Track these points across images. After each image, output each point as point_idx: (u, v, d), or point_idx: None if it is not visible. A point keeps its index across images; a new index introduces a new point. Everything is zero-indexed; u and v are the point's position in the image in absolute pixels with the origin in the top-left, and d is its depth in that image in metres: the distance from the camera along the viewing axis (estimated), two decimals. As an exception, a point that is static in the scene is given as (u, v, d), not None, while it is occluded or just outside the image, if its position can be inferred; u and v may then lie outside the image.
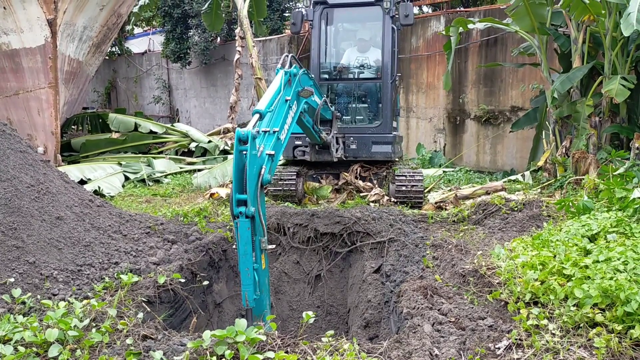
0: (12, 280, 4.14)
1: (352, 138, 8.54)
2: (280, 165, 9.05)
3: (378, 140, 8.59)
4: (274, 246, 4.42)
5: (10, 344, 3.18)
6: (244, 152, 3.87)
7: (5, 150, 5.21)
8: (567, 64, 9.44)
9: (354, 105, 9.06)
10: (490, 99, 12.40)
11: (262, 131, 4.27)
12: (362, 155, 8.66)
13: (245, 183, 3.87)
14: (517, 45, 10.97)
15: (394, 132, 8.83)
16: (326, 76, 9.03)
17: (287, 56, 5.36)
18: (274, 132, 4.41)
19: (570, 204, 5.84)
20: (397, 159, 9.10)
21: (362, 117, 9.01)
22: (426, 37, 13.36)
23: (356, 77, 9.09)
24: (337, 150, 8.08)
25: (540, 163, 9.50)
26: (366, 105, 9.08)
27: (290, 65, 5.31)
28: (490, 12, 11.88)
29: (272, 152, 4.19)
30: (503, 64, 10.89)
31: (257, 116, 4.31)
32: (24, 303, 3.92)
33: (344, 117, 8.75)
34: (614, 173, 6.53)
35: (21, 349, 3.13)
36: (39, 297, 4.06)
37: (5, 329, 3.33)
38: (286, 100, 4.94)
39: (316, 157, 8.38)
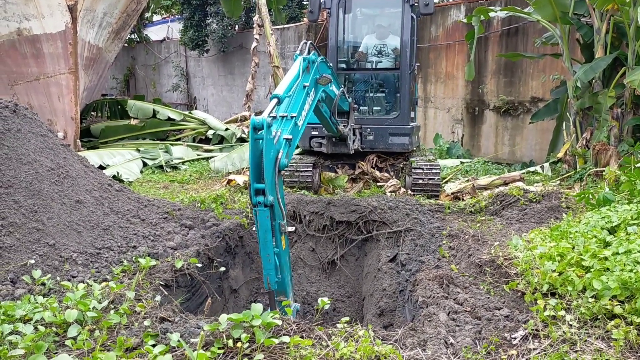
0: (33, 261, 4.21)
1: (369, 129, 8.47)
2: (296, 155, 9.05)
3: (395, 131, 8.52)
4: (293, 228, 4.42)
5: (30, 323, 3.24)
6: (260, 140, 3.83)
7: (27, 133, 5.27)
8: (589, 55, 9.28)
9: (371, 95, 9.00)
10: (510, 90, 12.25)
11: (280, 116, 4.24)
12: (379, 146, 8.60)
13: (263, 171, 3.85)
14: (538, 35, 10.80)
15: (412, 123, 8.75)
16: (344, 65, 8.97)
17: (306, 43, 5.33)
18: (292, 117, 4.38)
19: (590, 196, 5.76)
20: (414, 149, 9.04)
21: (379, 108, 8.94)
22: (446, 26, 13.21)
23: (374, 66, 9.02)
24: (353, 142, 8.03)
25: (560, 155, 9.38)
26: (384, 95, 9.00)
27: (309, 52, 5.28)
28: (511, 1, 11.69)
29: (290, 137, 4.15)
30: (524, 55, 10.74)
31: (274, 101, 4.28)
32: (44, 284, 3.99)
33: (361, 108, 8.69)
34: (635, 165, 6.43)
35: (41, 328, 3.18)
36: (58, 278, 4.12)
37: (25, 309, 3.39)
38: (304, 87, 4.91)
39: (333, 149, 8.32)
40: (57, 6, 11.07)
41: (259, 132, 3.81)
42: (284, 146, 4.04)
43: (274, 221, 3.91)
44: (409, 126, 8.55)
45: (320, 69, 5.50)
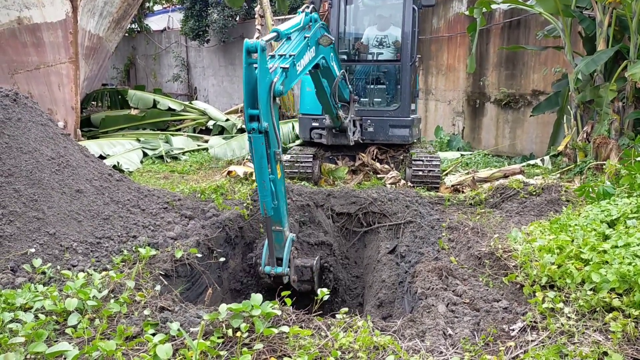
0: (33, 250, 4.23)
1: (369, 120, 8.47)
2: (296, 146, 9.04)
3: (396, 123, 8.52)
4: (289, 156, 4.40)
5: (31, 311, 3.25)
6: (254, 65, 3.69)
7: (27, 122, 5.27)
8: (591, 48, 9.25)
9: (372, 87, 8.98)
10: (512, 82, 12.22)
11: (279, 55, 4.14)
12: (379, 138, 8.60)
13: (257, 97, 3.74)
14: (540, 28, 10.76)
15: (412, 115, 8.74)
16: (345, 57, 8.94)
17: (308, 5, 5.26)
18: (290, 56, 4.28)
19: (590, 190, 5.76)
20: (415, 141, 9.03)
21: (380, 100, 8.92)
22: (447, 18, 13.15)
23: (375, 58, 8.99)
24: (354, 134, 8.01)
25: (561, 148, 9.37)
26: (384, 87, 8.98)
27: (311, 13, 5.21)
28: (514, -7, 11.63)
29: (287, 66, 4.05)
30: (525, 47, 10.71)
31: (274, 34, 4.18)
32: (44, 273, 4.00)
33: (361, 99, 8.67)
34: (636, 158, 6.42)
35: (41, 316, 3.20)
36: (58, 267, 4.13)
37: (26, 298, 3.41)
38: (305, 37, 4.79)
39: (333, 141, 8.30)
40: (57, -5, 11.03)
41: (253, 57, 3.68)
42: (280, 74, 3.96)
43: (269, 149, 3.88)
44: (410, 118, 8.53)
45: (321, 31, 5.44)
